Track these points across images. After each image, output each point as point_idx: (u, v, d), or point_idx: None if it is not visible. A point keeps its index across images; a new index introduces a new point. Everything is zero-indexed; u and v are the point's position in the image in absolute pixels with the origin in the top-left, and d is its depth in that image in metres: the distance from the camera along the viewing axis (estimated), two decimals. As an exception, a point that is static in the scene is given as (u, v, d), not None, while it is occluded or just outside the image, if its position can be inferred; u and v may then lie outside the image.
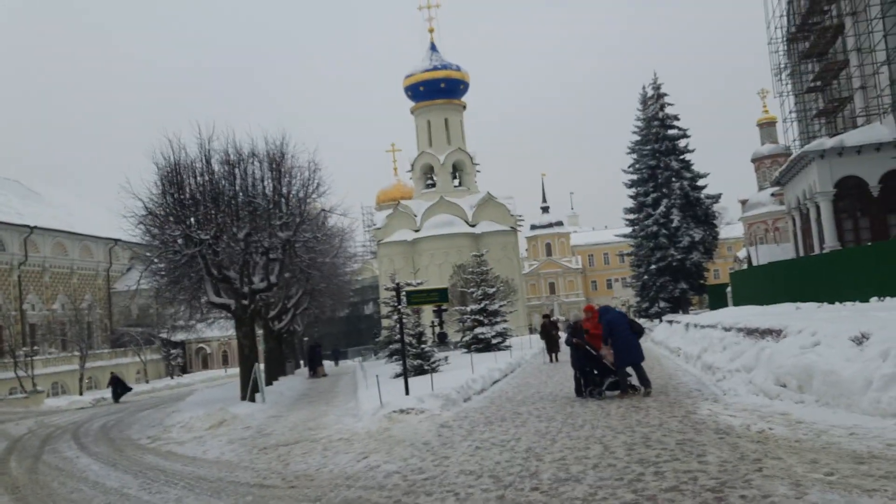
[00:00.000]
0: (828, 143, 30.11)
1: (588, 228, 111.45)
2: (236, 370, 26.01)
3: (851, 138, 29.73)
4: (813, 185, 30.59)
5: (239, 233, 20.44)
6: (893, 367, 8.58)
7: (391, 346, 26.67)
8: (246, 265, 21.05)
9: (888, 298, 17.73)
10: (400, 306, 17.30)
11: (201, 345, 64.58)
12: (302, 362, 48.29)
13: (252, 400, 20.05)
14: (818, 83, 36.75)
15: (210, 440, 14.13)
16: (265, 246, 20.97)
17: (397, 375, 20.76)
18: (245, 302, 21.17)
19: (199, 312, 29.46)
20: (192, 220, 20.28)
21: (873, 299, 18.16)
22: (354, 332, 72.14)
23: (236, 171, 21.31)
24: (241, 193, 21.28)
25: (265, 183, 21.88)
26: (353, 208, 71.06)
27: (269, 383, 25.31)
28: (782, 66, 38.32)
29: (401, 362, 18.84)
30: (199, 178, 20.77)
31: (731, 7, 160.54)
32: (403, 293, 17.13)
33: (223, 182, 21.18)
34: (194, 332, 57.12)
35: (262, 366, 24.21)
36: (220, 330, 59.30)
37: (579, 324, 14.20)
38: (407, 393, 15.14)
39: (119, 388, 36.39)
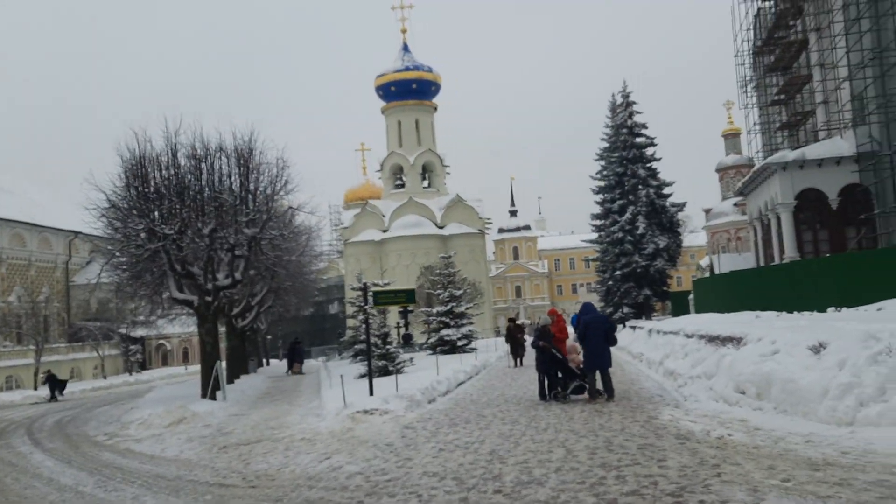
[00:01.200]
0: (790, 155, 30.72)
1: (555, 233, 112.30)
2: (197, 367, 25.68)
3: (813, 151, 30.36)
4: (775, 196, 31.18)
5: (204, 228, 20.17)
6: (849, 377, 8.78)
7: (356, 347, 26.54)
8: (210, 261, 20.77)
9: (845, 309, 18.16)
10: (366, 306, 17.22)
11: (161, 341, 63.60)
12: (265, 360, 47.90)
13: (213, 398, 19.80)
14: (782, 96, 37.50)
15: (169, 438, 13.91)
16: (230, 242, 20.72)
17: (362, 376, 20.66)
18: (208, 299, 20.90)
19: (161, 308, 29.00)
20: (157, 214, 19.94)
21: (830, 309, 18.58)
22: (319, 331, 71.68)
23: (203, 165, 21.02)
24: (207, 188, 20.99)
25: (232, 179, 21.61)
26: (321, 207, 70.47)
27: (230, 381, 25.03)
28: (748, 78, 39.01)
29: (365, 363, 18.76)
30: (164, 172, 20.44)
31: (701, 19, 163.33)
32: (370, 293, 17.06)
33: (189, 176, 20.87)
34: (155, 328, 56.22)
35: (223, 363, 23.92)
36: (182, 326, 58.54)
37: (546, 327, 14.29)
38: (371, 393, 15.08)
39: (56, 386, 34.19)
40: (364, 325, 17.73)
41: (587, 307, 13.86)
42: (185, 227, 19.96)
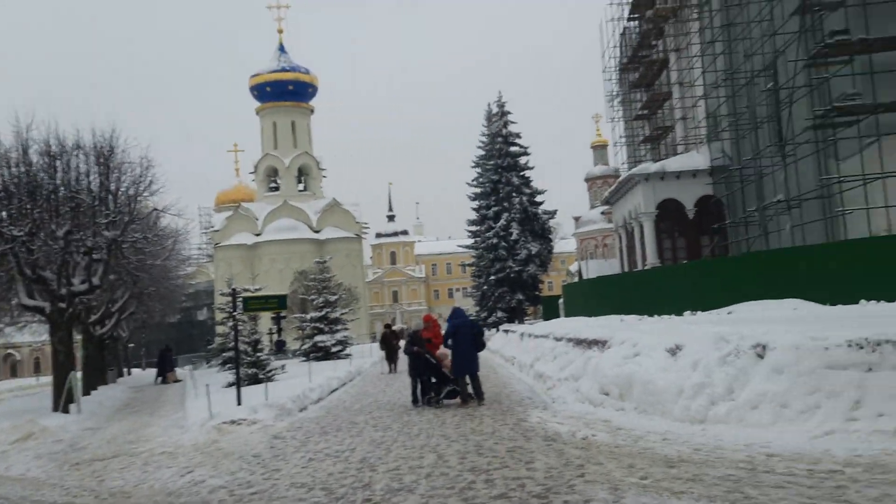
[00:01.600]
0: (651, 167, 32.50)
1: (433, 238, 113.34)
2: (50, 379, 23.89)
3: (672, 164, 32.27)
4: (638, 205, 32.85)
5: (58, 230, 18.81)
6: (702, 377, 9.31)
7: (224, 354, 25.61)
8: (65, 265, 19.39)
9: (700, 312, 19.34)
10: (235, 313, 16.62)
11: (10, 351, 58.91)
12: (127, 369, 45.32)
13: (66, 411, 18.48)
14: (645, 112, 39.66)
15: (15, 455, 12.81)
16: (88, 245, 19.43)
17: (230, 385, 19.90)
18: (62, 305, 19.49)
19: (9, 315, 26.86)
20: (4, 214, 18.43)
21: (687, 313, 19.73)
22: (186, 338, 68.70)
23: (58, 163, 19.61)
24: (62, 188, 19.61)
25: (91, 178, 20.30)
26: (190, 209, 67.85)
27: (87, 393, 23.46)
28: (615, 93, 40.99)
29: (234, 371, 18.10)
30: (13, 169, 18.91)
31: (576, 34, 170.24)
32: (240, 299, 16.48)
33: (42, 175, 19.41)
34: (2, 337, 51.88)
35: (79, 374, 22.40)
36: (33, 335, 54.18)
37: (418, 333, 14.30)
38: (239, 403, 14.55)
39: None
40: (233, 332, 17.10)
41: (457, 312, 13.96)
42: (37, 228, 18.53)
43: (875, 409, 7.55)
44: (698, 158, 32.21)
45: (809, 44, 22.77)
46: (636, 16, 38.80)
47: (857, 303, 17.62)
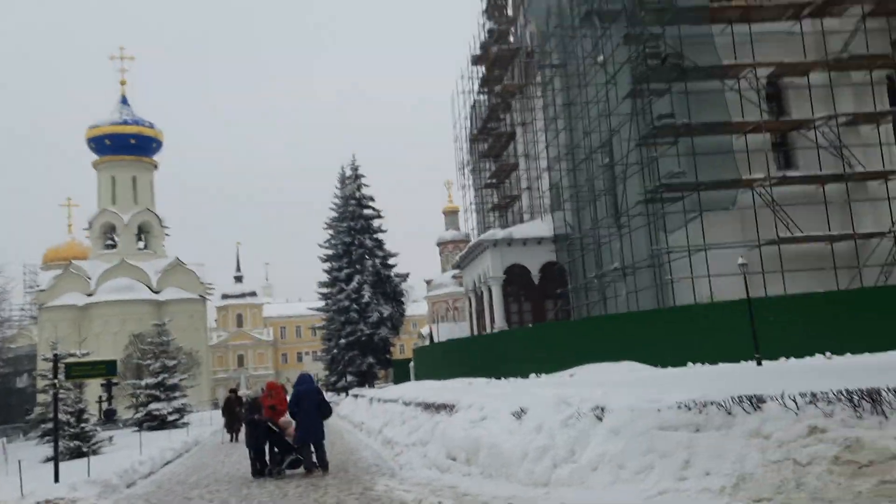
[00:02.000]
0: (499, 234, 33.69)
1: (282, 300, 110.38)
2: None
3: (519, 231, 33.65)
4: (487, 270, 33.80)
5: None
6: (545, 440, 9.46)
7: (44, 426, 23.26)
8: None
9: (544, 375, 19.92)
10: (55, 380, 15.16)
11: None
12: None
13: None
14: (494, 180, 41.33)
15: None
16: None
17: (48, 459, 18.02)
18: None
19: None
20: None
21: (532, 375, 20.26)
22: (3, 408, 61.98)
23: None
24: None
25: None
26: (12, 266, 62.19)
27: None
28: (466, 162, 42.50)
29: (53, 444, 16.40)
30: None
31: (429, 104, 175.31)
32: (62, 364, 15.07)
33: None
34: None
35: None
36: None
37: (257, 400, 13.66)
38: (57, 480, 13.15)
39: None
40: (52, 401, 15.56)
41: (303, 378, 13.49)
42: None
43: (703, 468, 7.93)
44: (543, 226, 33.78)
45: (640, 125, 24.77)
46: (486, 90, 40.73)
47: (685, 364, 18.86)
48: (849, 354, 17.48)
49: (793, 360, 18.01)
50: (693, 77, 24.35)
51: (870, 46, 25.21)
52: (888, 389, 7.20)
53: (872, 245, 24.64)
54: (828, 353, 17.87)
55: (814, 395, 7.71)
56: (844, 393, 7.45)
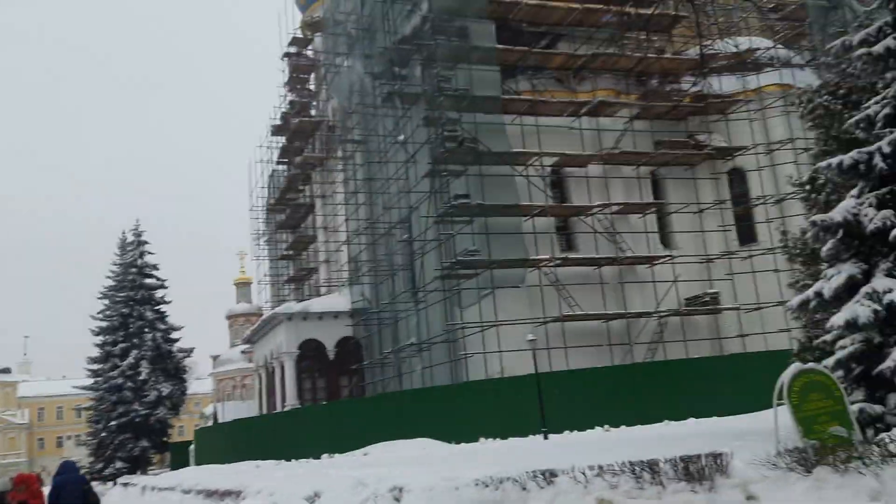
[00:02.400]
0: (295, 307, 32.74)
1: (42, 378, 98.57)
2: None
3: (315, 305, 32.92)
4: (280, 344, 32.55)
5: None
6: (341, 525, 8.88)
7: None
8: None
9: (338, 455, 19.17)
10: None
11: None
12: None
13: None
14: (291, 252, 40.47)
15: None
16: None
17: None
18: None
19: None
20: None
21: (325, 456, 19.42)
22: None
23: None
24: None
25: None
26: None
27: None
28: (261, 232, 41.29)
29: None
30: None
31: (223, 172, 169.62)
32: None
33: None
34: None
35: None
36: None
37: (6, 496, 11.65)
38: None
39: None
40: None
41: (66, 465, 11.71)
42: None
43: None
44: (340, 300, 33.33)
45: (438, 203, 25.54)
46: (285, 160, 40.21)
47: (477, 440, 19.08)
48: (623, 427, 18.69)
49: (576, 432, 18.92)
50: (487, 161, 25.67)
51: (637, 145, 28.25)
52: (665, 460, 7.75)
53: (641, 324, 26.95)
54: (606, 426, 19.00)
55: (601, 467, 8.04)
56: (628, 465, 7.90)
